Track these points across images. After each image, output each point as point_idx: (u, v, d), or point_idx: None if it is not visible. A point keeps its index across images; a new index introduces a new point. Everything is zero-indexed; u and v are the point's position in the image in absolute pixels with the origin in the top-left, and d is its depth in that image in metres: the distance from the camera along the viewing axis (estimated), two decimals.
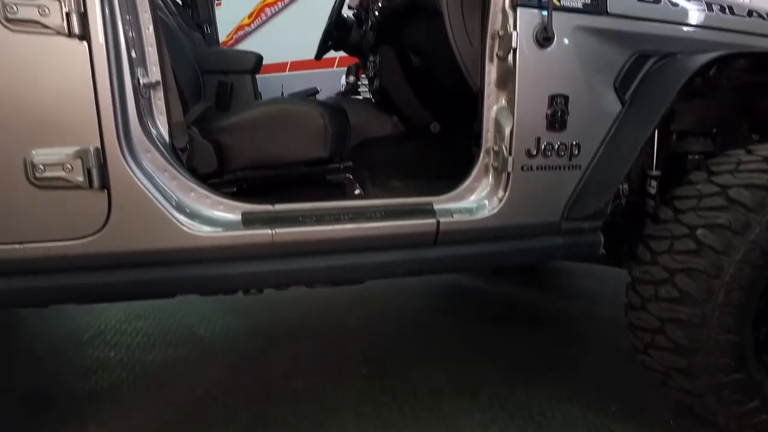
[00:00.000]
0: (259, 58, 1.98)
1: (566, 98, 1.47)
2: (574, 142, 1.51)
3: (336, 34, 2.27)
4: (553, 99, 1.46)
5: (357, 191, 1.59)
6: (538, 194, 1.54)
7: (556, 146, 1.50)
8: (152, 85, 1.29)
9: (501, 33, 1.42)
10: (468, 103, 1.62)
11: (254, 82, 1.98)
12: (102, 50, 1.16)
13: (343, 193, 1.60)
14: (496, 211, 1.50)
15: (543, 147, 1.48)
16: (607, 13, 1.48)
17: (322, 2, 5.80)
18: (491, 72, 1.47)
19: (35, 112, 1.16)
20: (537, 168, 1.50)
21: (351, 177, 1.59)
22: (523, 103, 1.44)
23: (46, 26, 1.11)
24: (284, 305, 2.57)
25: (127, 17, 1.24)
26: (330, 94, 5.59)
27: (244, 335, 2.40)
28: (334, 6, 2.30)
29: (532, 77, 1.43)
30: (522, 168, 1.48)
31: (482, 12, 1.45)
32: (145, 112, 1.29)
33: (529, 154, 1.48)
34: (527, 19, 1.39)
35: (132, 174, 1.23)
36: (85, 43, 1.14)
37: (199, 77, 1.88)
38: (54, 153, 1.17)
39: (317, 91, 2.41)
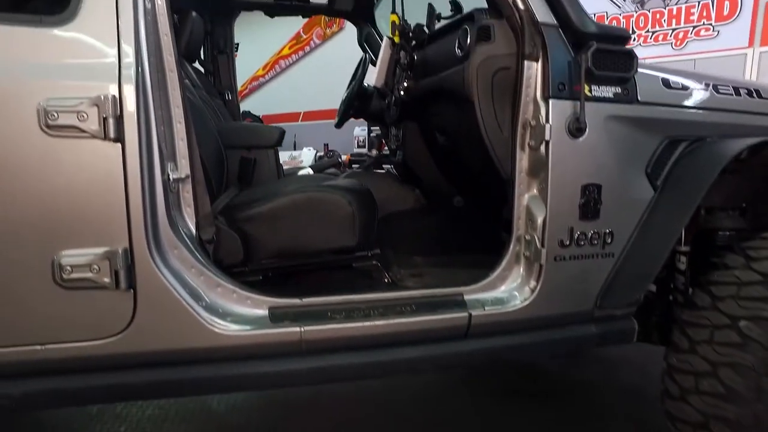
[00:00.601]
0: (282, 132, 1.99)
1: (599, 187, 1.45)
2: (607, 230, 1.48)
3: (357, 103, 2.29)
4: (586, 189, 1.44)
5: (385, 278, 1.55)
6: (570, 283, 1.50)
7: (589, 235, 1.47)
8: (181, 180, 1.28)
9: (533, 123, 1.41)
10: (494, 184, 1.60)
11: (276, 156, 1.98)
12: (135, 150, 1.15)
13: (371, 279, 1.56)
14: (528, 302, 1.46)
15: (576, 237, 1.45)
16: (637, 102, 1.48)
17: (334, 57, 6.01)
18: (522, 160, 1.46)
19: (66, 214, 1.14)
20: (570, 258, 1.47)
21: (378, 264, 1.55)
22: (556, 194, 1.42)
23: (83, 131, 1.10)
24: None
25: (160, 113, 1.23)
26: (342, 145, 5.68)
27: (260, 409, 2.32)
28: (356, 76, 2.32)
29: (564, 167, 1.41)
30: (555, 258, 1.45)
31: (513, 101, 1.44)
32: (173, 207, 1.27)
33: (562, 244, 1.45)
34: (559, 110, 1.38)
35: (159, 273, 1.20)
36: (119, 145, 1.14)
37: (222, 152, 1.88)
38: (82, 254, 1.14)
39: (339, 162, 2.41)
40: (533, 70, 1.38)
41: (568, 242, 1.45)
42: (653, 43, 4.56)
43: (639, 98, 1.47)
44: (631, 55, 1.41)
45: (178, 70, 1.27)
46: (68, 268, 1.13)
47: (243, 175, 1.93)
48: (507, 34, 1.42)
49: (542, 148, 1.40)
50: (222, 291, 1.29)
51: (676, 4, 4.52)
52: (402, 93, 1.85)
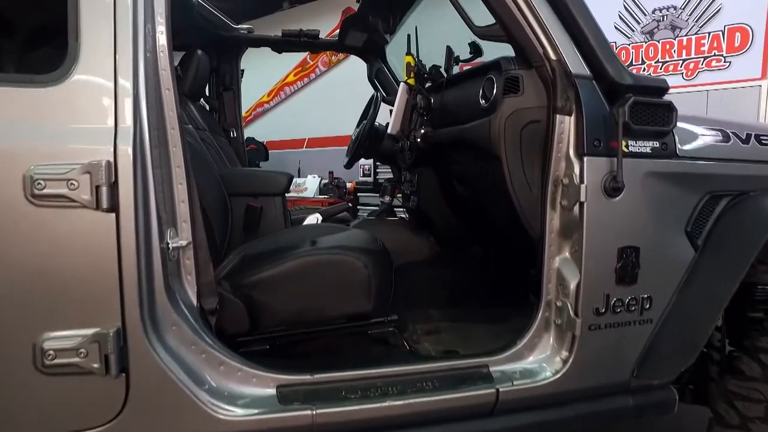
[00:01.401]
0: (290, 178, 1.88)
1: (637, 250, 1.33)
2: (645, 296, 1.36)
3: (368, 143, 2.19)
4: (623, 251, 1.32)
5: (402, 343, 1.42)
6: (605, 353, 1.38)
7: (626, 301, 1.35)
8: (182, 247, 1.16)
9: (565, 181, 1.30)
10: (518, 239, 1.49)
11: (284, 203, 1.87)
12: (131, 220, 1.03)
13: (387, 345, 1.43)
14: (560, 374, 1.33)
15: (612, 303, 1.33)
16: (677, 156, 1.37)
17: (339, 84, 5.95)
18: (553, 220, 1.34)
19: (50, 291, 1.02)
20: (605, 326, 1.35)
21: (396, 330, 1.42)
22: (591, 258, 1.30)
23: (73, 200, 0.99)
24: None
25: (160, 174, 1.12)
26: (347, 173, 5.59)
27: None
28: (367, 114, 2.23)
29: (600, 229, 1.29)
30: (590, 327, 1.33)
31: (543, 158, 1.33)
32: (172, 277, 1.15)
33: (597, 312, 1.32)
34: (595, 168, 1.27)
35: (155, 355, 1.07)
36: (112, 215, 1.02)
37: (226, 201, 1.77)
38: (68, 337, 1.02)
39: (348, 207, 2.30)
40: (566, 124, 1.27)
41: (603, 310, 1.33)
42: (664, 73, 4.48)
43: (678, 152, 1.36)
44: (670, 108, 1.31)
45: (180, 126, 1.17)
46: (51, 352, 1.01)
47: (249, 224, 1.81)
48: (536, 86, 1.32)
49: (576, 208, 1.28)
50: (225, 370, 1.16)
51: (686, 35, 4.45)
52: (419, 140, 1.74)
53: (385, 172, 4.62)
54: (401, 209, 2.26)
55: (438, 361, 1.33)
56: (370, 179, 5.47)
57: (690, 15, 4.36)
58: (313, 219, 2.04)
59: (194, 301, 1.19)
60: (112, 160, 1.01)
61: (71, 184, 0.98)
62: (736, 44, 4.20)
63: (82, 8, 1.04)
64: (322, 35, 2.50)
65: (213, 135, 2.23)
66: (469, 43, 1.69)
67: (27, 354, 1.01)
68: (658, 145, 1.33)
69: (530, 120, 1.32)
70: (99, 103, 1.04)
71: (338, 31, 2.45)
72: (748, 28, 4.16)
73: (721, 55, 4.26)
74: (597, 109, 1.27)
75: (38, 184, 0.97)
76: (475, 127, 1.39)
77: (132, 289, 1.04)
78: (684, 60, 4.45)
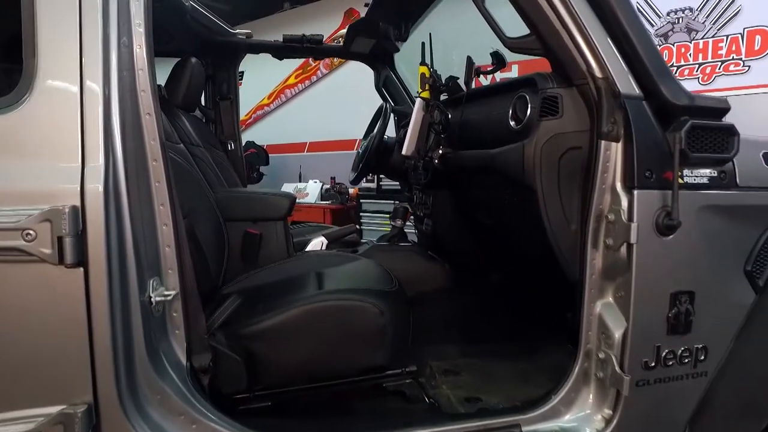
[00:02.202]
0: (293, 201, 1.70)
1: (691, 294, 1.16)
2: (700, 346, 1.19)
3: (376, 158, 2.01)
4: (675, 297, 1.15)
5: (422, 396, 1.25)
6: (654, 411, 1.21)
7: (679, 353, 1.18)
8: (168, 299, 0.98)
9: (610, 217, 1.12)
10: (552, 279, 1.32)
11: (286, 228, 1.69)
12: (102, 275, 0.86)
13: (404, 399, 1.25)
14: None
15: (663, 356, 1.16)
16: (736, 186, 1.19)
17: (341, 87, 5.77)
18: (595, 261, 1.17)
19: (3, 364, 0.84)
20: (654, 381, 1.17)
21: (414, 381, 1.25)
22: (639, 304, 1.13)
23: (29, 254, 0.81)
24: None
25: (140, 214, 0.94)
26: (348, 176, 5.45)
27: None
28: (376, 127, 2.05)
29: (651, 272, 1.12)
30: (637, 383, 1.15)
31: (584, 189, 1.16)
32: (156, 335, 0.97)
33: (646, 366, 1.15)
34: (646, 203, 1.10)
35: None
36: (80, 270, 0.84)
37: (222, 228, 1.59)
38: (25, 419, 0.84)
39: (355, 230, 2.13)
40: (612, 152, 1.10)
41: (653, 363, 1.16)
42: (679, 78, 4.32)
43: (738, 183, 1.19)
44: (731, 132, 1.13)
45: (164, 157, 0.99)
46: None
47: (247, 252, 1.64)
48: (577, 106, 1.14)
49: (623, 249, 1.11)
50: None
51: (702, 38, 4.27)
52: (436, 160, 1.57)
53: (390, 180, 4.43)
54: (411, 229, 2.08)
55: (464, 421, 1.16)
56: (373, 185, 5.29)
57: (707, 17, 4.19)
58: (318, 242, 1.86)
59: (183, 359, 1.02)
60: (78, 204, 0.83)
61: (27, 234, 0.81)
62: (756, 47, 4.03)
63: (40, 16, 0.86)
64: (324, 37, 2.32)
65: (208, 149, 2.05)
66: (491, 54, 1.51)
67: None
68: (716, 175, 1.16)
69: (570, 146, 1.15)
70: (61, 133, 0.86)
71: (343, 35, 2.27)
72: None
73: (740, 59, 4.09)
74: (649, 135, 1.09)
75: None
76: (506, 153, 1.22)
77: (105, 356, 0.87)
78: (700, 64, 4.27)
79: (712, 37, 4.18)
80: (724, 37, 4.14)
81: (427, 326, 1.60)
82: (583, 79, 1.11)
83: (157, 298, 0.95)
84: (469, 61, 1.53)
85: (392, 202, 5.04)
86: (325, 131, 6.17)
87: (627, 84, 1.09)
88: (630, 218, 1.08)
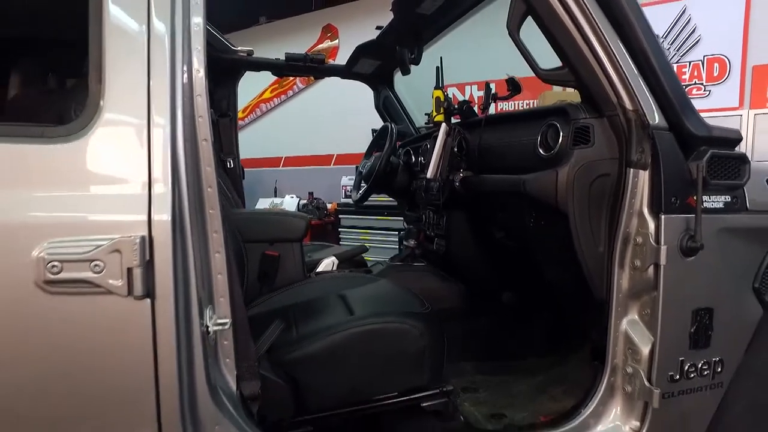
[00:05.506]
0: (308, 222, 1.70)
1: (711, 311, 1.24)
2: (717, 358, 1.27)
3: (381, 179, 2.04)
4: (697, 314, 1.22)
5: (457, 415, 1.27)
6: (677, 421, 1.28)
7: (699, 366, 1.26)
8: (224, 328, 0.97)
9: (638, 240, 1.19)
10: (577, 298, 1.37)
11: (302, 249, 1.69)
12: (169, 306, 0.84)
13: (442, 418, 1.27)
14: None
15: (686, 369, 1.23)
16: (746, 210, 1.29)
17: (317, 102, 5.77)
18: (622, 280, 1.23)
19: (70, 397, 0.81)
20: (678, 393, 1.24)
21: (450, 399, 1.27)
22: (666, 322, 1.19)
23: (98, 286, 0.79)
24: None
25: (198, 244, 0.93)
26: (328, 193, 5.42)
27: None
28: (380, 147, 2.08)
29: (675, 291, 1.19)
30: (663, 395, 1.22)
31: (611, 213, 1.22)
32: (211, 365, 0.96)
33: (671, 379, 1.22)
34: (672, 227, 1.17)
35: None
36: (147, 302, 0.83)
37: (243, 251, 1.57)
38: None
39: (366, 250, 2.14)
40: (640, 179, 1.17)
41: (678, 376, 1.23)
42: None
43: (748, 206, 1.29)
44: (744, 160, 1.23)
45: (218, 184, 0.99)
46: None
47: (265, 273, 1.62)
48: (607, 135, 1.21)
49: (650, 269, 1.18)
50: None
51: None
52: (457, 183, 1.61)
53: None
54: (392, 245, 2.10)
55: None
56: (351, 200, 5.28)
57: (671, 44, 4.47)
58: (329, 263, 1.86)
59: (234, 388, 1.00)
60: (146, 234, 0.82)
61: (95, 265, 0.79)
62: (715, 74, 4.33)
63: (108, 40, 0.85)
64: (301, 52, 2.30)
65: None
66: (506, 80, 1.58)
67: None
68: (730, 200, 1.25)
69: (600, 174, 1.21)
70: (128, 161, 0.85)
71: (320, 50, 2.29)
72: (726, 59, 4.30)
73: (702, 84, 4.38)
74: (674, 164, 1.17)
75: (52, 266, 0.78)
76: (539, 179, 1.27)
77: (171, 387, 0.85)
78: None
79: (676, 62, 4.45)
80: (687, 63, 4.42)
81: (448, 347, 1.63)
82: (614, 111, 1.17)
83: (214, 327, 0.94)
84: (487, 88, 1.58)
85: (372, 217, 5.10)
86: (300, 146, 6.14)
87: (654, 116, 1.17)
88: (658, 241, 1.15)
